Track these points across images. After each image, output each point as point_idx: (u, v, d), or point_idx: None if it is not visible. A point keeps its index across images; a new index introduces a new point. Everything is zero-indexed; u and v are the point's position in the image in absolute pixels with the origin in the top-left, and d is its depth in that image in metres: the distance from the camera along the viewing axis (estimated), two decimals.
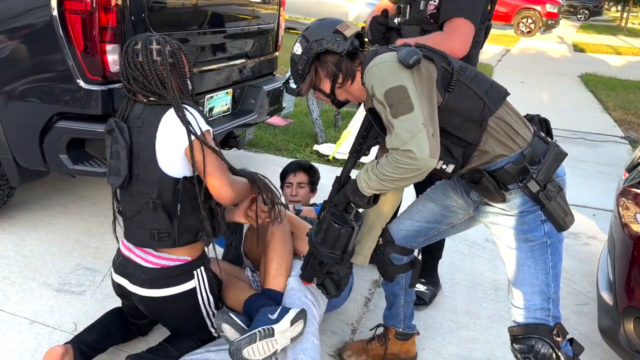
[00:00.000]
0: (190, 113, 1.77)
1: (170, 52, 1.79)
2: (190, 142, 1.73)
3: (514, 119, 1.65)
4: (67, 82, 2.38)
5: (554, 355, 1.60)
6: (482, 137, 1.60)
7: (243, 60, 3.41)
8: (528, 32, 16.97)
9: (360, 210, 1.86)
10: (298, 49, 1.76)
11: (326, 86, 1.77)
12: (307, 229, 2.11)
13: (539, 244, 1.62)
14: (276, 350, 1.81)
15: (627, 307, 1.86)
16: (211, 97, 3.09)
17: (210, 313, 1.96)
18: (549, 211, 1.58)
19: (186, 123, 1.73)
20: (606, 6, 32.62)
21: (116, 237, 1.99)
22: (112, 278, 1.97)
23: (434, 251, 2.55)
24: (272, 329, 1.77)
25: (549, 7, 16.70)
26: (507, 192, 1.62)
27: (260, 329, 1.77)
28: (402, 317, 2.11)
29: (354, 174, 1.78)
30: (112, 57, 2.36)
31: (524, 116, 1.74)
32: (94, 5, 2.26)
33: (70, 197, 3.41)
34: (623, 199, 2.07)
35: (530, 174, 1.57)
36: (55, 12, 2.29)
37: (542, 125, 1.75)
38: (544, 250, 1.62)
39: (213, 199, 1.86)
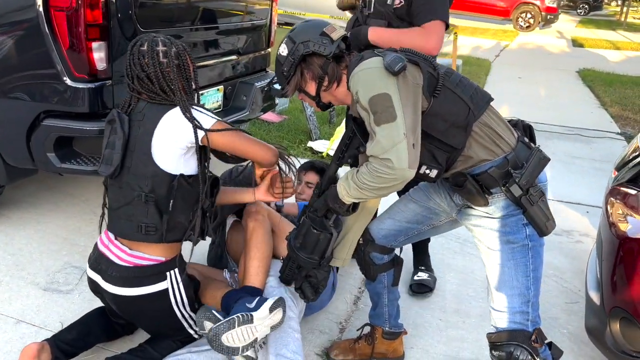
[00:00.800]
0: (198, 110, 1.82)
1: (176, 53, 1.82)
2: (204, 135, 1.78)
3: (498, 124, 1.64)
4: (53, 79, 2.36)
5: (520, 358, 1.61)
6: (466, 142, 1.59)
7: (234, 57, 3.39)
8: (527, 27, 16.90)
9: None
10: (284, 50, 1.74)
11: (311, 88, 1.76)
12: (288, 228, 2.12)
13: (520, 246, 1.62)
14: (256, 338, 1.80)
15: (613, 307, 1.85)
16: (202, 94, 3.07)
17: (186, 315, 1.95)
18: (531, 215, 1.58)
19: (192, 119, 1.76)
20: (606, 0, 32.53)
21: (100, 233, 1.98)
22: (87, 274, 1.96)
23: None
24: (251, 315, 1.78)
25: (548, 2, 16.63)
26: (490, 195, 1.61)
27: (239, 314, 1.77)
28: (387, 316, 2.11)
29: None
30: (99, 55, 2.34)
31: (508, 121, 1.73)
32: (80, 2, 2.23)
33: (60, 195, 3.39)
34: (612, 198, 2.06)
35: (513, 178, 1.56)
36: (40, 9, 2.27)
37: (525, 131, 1.74)
38: (525, 252, 1.62)
39: (208, 201, 1.86)
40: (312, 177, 2.71)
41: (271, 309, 1.82)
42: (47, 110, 2.44)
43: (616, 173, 2.22)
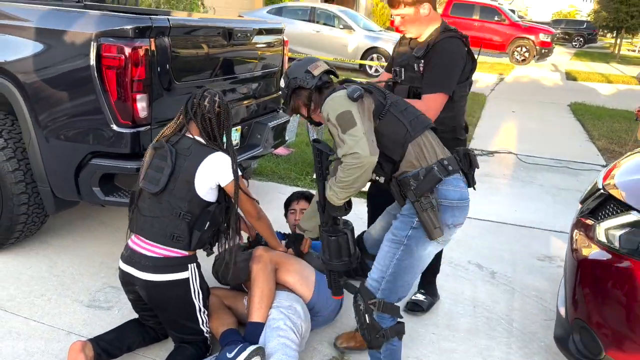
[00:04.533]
0: (230, 160, 2.32)
1: (225, 107, 2.36)
2: (231, 181, 2.31)
3: (427, 146, 2.10)
4: (101, 125, 2.77)
5: (361, 311, 2.14)
6: (403, 156, 2.08)
7: (250, 101, 3.81)
8: (523, 60, 17.52)
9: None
10: (282, 83, 2.33)
11: (304, 111, 2.33)
12: (292, 261, 2.60)
13: (397, 241, 2.09)
14: None
15: (574, 319, 2.21)
16: None
17: (202, 307, 2.35)
18: (421, 220, 2.01)
19: (236, 172, 2.32)
20: (601, 33, 33.35)
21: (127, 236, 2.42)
22: (119, 268, 2.36)
23: (431, 265, 2.91)
24: None
25: (542, 37, 17.30)
26: (405, 199, 2.08)
27: None
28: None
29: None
30: (141, 105, 2.75)
31: (457, 149, 2.18)
32: (127, 61, 2.66)
33: (94, 224, 3.79)
34: (576, 229, 2.44)
35: (409, 186, 2.03)
36: (94, 66, 2.69)
37: (465, 157, 2.16)
38: (398, 246, 2.09)
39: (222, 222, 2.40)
40: (304, 204, 3.10)
41: (247, 358, 2.20)
42: (95, 151, 2.85)
43: (581, 206, 2.60)
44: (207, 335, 2.42)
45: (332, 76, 2.34)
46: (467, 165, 2.13)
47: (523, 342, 2.83)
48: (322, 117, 2.14)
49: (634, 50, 29.31)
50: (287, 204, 3.18)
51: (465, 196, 2.11)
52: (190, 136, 2.33)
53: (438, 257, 2.97)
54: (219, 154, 2.31)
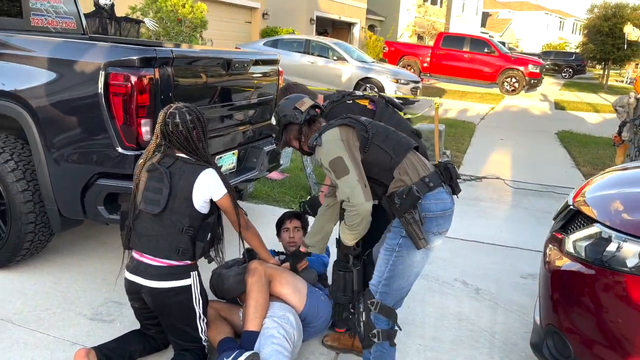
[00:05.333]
0: (218, 175, 2.52)
1: (198, 119, 2.53)
2: (225, 194, 2.54)
3: (410, 167, 2.30)
4: (107, 148, 2.97)
5: (361, 309, 2.35)
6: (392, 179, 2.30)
7: (247, 126, 4.02)
8: (512, 90, 17.94)
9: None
10: (274, 121, 2.55)
11: (295, 144, 2.56)
12: (284, 274, 2.79)
13: (390, 249, 2.32)
14: None
15: (547, 325, 2.38)
16: (220, 157, 3.68)
17: (202, 315, 2.52)
18: (408, 231, 2.23)
19: (227, 184, 2.55)
20: (590, 64, 34.11)
21: (126, 252, 2.59)
22: (125, 277, 2.52)
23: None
24: None
25: (531, 68, 17.77)
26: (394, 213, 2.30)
27: None
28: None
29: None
30: (145, 129, 2.96)
31: (439, 162, 2.41)
32: (133, 89, 2.88)
33: (95, 244, 3.95)
34: (549, 244, 2.62)
35: (394, 203, 2.24)
36: (101, 93, 2.90)
37: (446, 171, 2.36)
38: (391, 253, 2.32)
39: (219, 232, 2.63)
40: (297, 223, 3.30)
41: None
42: (100, 172, 3.04)
43: (553, 222, 2.79)
44: (204, 343, 2.57)
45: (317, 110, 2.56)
46: (448, 178, 2.35)
47: (505, 352, 2.98)
48: (317, 159, 2.38)
49: (622, 81, 29.97)
50: (280, 223, 3.36)
51: (448, 206, 2.33)
52: (175, 155, 2.50)
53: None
54: (210, 171, 2.50)
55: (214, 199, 2.51)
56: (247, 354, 2.38)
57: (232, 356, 2.39)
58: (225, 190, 2.52)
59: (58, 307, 3.08)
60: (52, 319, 2.96)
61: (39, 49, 3.14)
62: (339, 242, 2.51)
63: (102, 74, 2.88)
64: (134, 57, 2.88)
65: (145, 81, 2.90)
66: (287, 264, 2.87)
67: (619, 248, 2.13)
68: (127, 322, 2.96)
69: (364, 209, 2.22)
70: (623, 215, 2.34)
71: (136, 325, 2.74)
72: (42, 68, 3.06)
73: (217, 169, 2.56)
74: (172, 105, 2.54)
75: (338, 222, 2.42)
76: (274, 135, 2.63)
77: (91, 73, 2.92)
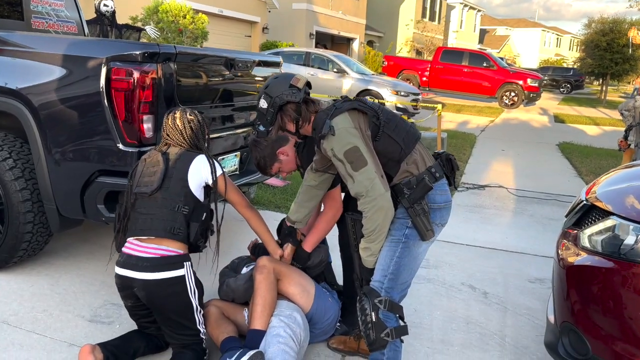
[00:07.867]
0: (214, 161, 2.54)
1: (199, 120, 2.56)
2: (217, 177, 2.53)
3: (418, 157, 2.23)
4: (108, 145, 2.91)
5: (367, 310, 2.16)
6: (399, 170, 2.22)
7: (249, 128, 3.97)
8: (512, 104, 17.99)
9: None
10: (264, 104, 2.36)
11: (291, 127, 2.38)
12: (293, 273, 2.70)
13: (396, 240, 2.21)
14: None
15: (563, 322, 2.30)
16: (222, 159, 3.62)
17: (198, 307, 2.44)
18: (414, 223, 2.16)
19: (214, 169, 2.53)
20: (588, 80, 34.33)
21: (116, 247, 2.58)
22: (116, 273, 2.44)
23: (353, 296, 2.75)
24: None
25: (530, 82, 17.85)
26: (399, 203, 2.21)
27: None
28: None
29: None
30: (147, 125, 2.90)
31: (439, 153, 2.35)
32: (135, 84, 2.82)
33: (94, 247, 3.86)
34: (562, 238, 2.56)
35: (404, 194, 2.17)
36: (103, 89, 2.85)
37: (447, 162, 2.32)
38: (397, 245, 2.20)
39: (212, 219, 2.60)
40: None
41: None
42: (101, 169, 2.97)
43: (565, 219, 2.72)
44: (203, 336, 2.49)
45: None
46: (449, 169, 2.30)
47: (516, 355, 2.89)
48: (324, 150, 2.20)
49: (620, 96, 30.11)
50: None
51: (450, 198, 2.29)
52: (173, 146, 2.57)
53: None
54: (204, 156, 2.53)
55: (210, 182, 2.51)
56: (251, 353, 2.29)
57: (236, 355, 2.30)
58: (220, 170, 2.54)
59: (55, 309, 2.98)
60: (49, 320, 2.86)
61: (40, 44, 3.09)
62: (361, 278, 2.33)
63: (104, 68, 2.83)
64: (137, 52, 2.83)
65: (148, 77, 2.84)
66: (289, 246, 2.78)
67: (637, 239, 2.07)
68: (126, 324, 2.86)
69: (385, 200, 2.11)
70: (639, 206, 2.27)
71: (134, 327, 2.65)
72: (42, 63, 3.01)
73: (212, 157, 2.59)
74: (172, 110, 2.62)
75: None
76: (257, 123, 2.41)
77: (93, 68, 2.87)
